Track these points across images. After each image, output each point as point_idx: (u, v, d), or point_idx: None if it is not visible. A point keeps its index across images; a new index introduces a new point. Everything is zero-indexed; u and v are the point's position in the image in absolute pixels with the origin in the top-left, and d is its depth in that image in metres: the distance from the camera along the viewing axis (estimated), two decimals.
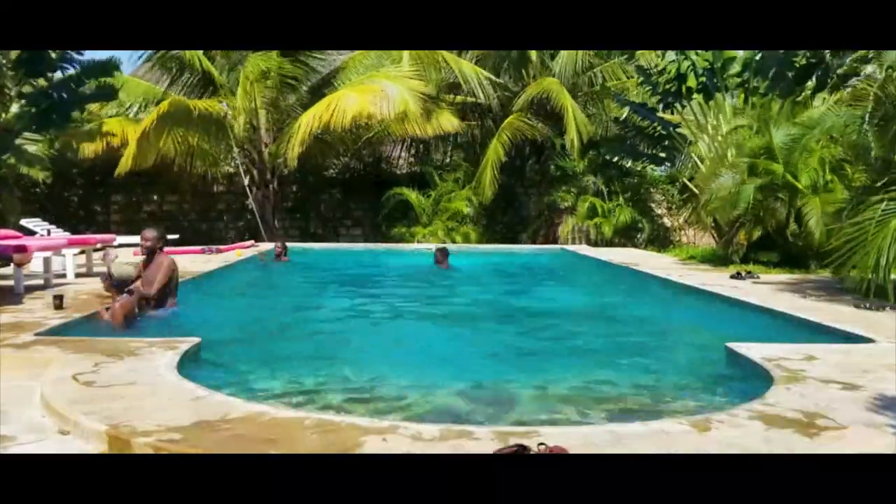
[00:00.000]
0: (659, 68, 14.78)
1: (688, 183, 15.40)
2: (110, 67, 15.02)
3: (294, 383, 4.98)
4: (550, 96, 18.22)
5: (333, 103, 17.02)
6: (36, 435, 3.48)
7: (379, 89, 17.23)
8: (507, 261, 15.48)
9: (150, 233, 7.41)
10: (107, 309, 6.61)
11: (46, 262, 9.06)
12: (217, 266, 11.72)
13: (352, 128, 18.16)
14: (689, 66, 14.14)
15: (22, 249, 8.33)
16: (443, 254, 12.85)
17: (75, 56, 14.45)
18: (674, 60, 14.36)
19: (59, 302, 6.93)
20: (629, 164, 19.67)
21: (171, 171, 18.77)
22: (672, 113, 15.35)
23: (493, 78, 19.82)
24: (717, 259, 13.03)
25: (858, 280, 7.63)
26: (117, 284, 6.82)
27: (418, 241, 17.98)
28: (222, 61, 18.72)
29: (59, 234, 13.87)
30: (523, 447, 3.00)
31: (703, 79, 14.10)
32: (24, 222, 14.35)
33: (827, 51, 11.04)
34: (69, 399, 3.81)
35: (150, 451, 3.16)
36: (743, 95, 13.84)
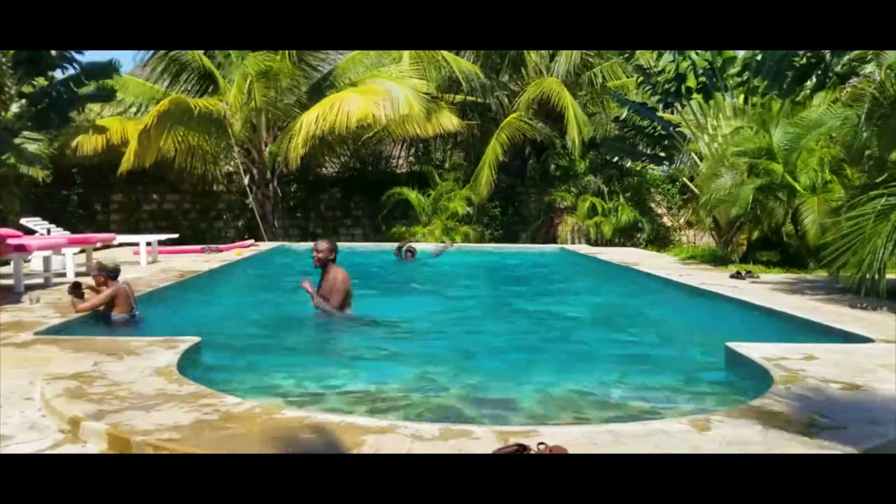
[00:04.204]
0: (658, 68, 14.75)
1: (688, 183, 15.41)
2: (111, 70, 15.02)
3: (294, 383, 4.98)
4: (551, 96, 18.23)
5: (336, 104, 16.96)
6: (35, 434, 3.48)
7: (383, 91, 17.19)
8: (506, 260, 15.47)
9: (323, 244, 7.40)
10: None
11: (46, 261, 9.06)
12: (218, 265, 11.72)
13: (354, 128, 18.15)
14: (688, 66, 14.13)
15: (22, 248, 8.34)
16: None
17: (75, 56, 14.47)
18: (673, 60, 14.34)
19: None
20: (629, 163, 19.64)
21: (171, 171, 18.77)
22: (672, 113, 15.34)
23: (493, 77, 19.83)
24: (716, 259, 13.04)
25: (853, 279, 7.64)
26: (110, 273, 6.80)
27: (417, 241, 17.99)
28: (224, 61, 18.67)
29: (59, 234, 13.87)
30: (523, 447, 3.00)
31: (703, 79, 14.10)
32: (23, 221, 14.33)
33: (826, 51, 11.04)
34: (69, 398, 3.81)
35: (150, 451, 3.16)
36: (743, 95, 13.85)
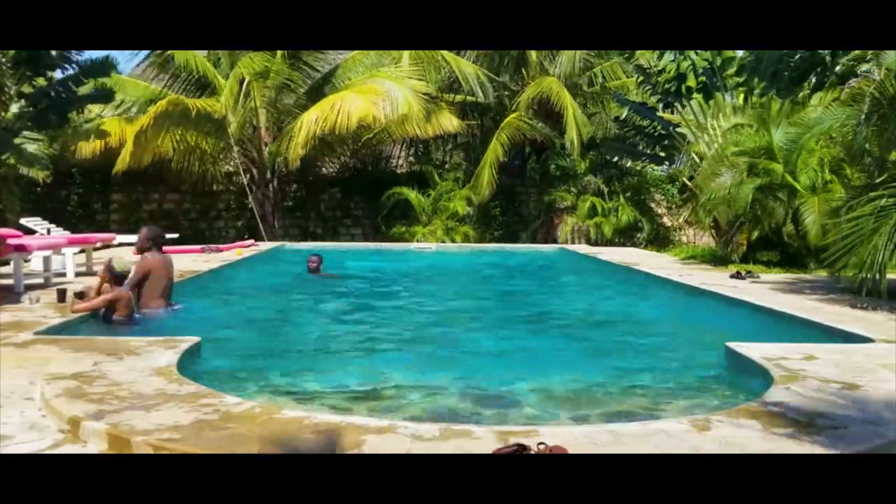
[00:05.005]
0: (658, 68, 14.76)
1: (688, 182, 15.41)
2: (108, 66, 15.00)
3: (294, 383, 4.98)
4: (551, 96, 18.24)
5: (337, 105, 16.94)
6: (35, 434, 3.48)
7: (382, 91, 17.18)
8: (505, 260, 15.47)
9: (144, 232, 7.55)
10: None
11: (46, 260, 9.06)
12: (218, 265, 11.72)
13: (355, 129, 18.16)
14: (688, 66, 14.14)
15: (22, 248, 8.34)
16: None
17: (74, 56, 14.45)
18: (673, 60, 14.35)
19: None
20: (629, 163, 19.61)
21: (171, 171, 18.77)
22: (672, 112, 15.35)
23: (494, 77, 19.83)
24: (716, 259, 13.04)
25: (854, 279, 7.64)
26: (117, 276, 6.87)
27: (417, 241, 17.99)
28: (226, 61, 18.66)
29: (59, 234, 13.87)
30: (523, 447, 3.00)
31: (703, 79, 14.10)
32: (23, 221, 14.34)
33: (825, 51, 11.02)
34: (69, 398, 3.81)
35: (150, 451, 3.16)
36: (742, 95, 13.85)
